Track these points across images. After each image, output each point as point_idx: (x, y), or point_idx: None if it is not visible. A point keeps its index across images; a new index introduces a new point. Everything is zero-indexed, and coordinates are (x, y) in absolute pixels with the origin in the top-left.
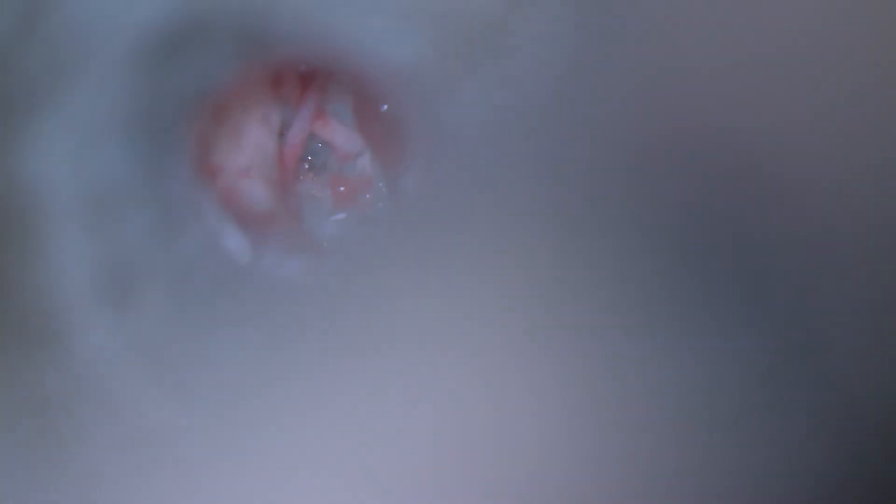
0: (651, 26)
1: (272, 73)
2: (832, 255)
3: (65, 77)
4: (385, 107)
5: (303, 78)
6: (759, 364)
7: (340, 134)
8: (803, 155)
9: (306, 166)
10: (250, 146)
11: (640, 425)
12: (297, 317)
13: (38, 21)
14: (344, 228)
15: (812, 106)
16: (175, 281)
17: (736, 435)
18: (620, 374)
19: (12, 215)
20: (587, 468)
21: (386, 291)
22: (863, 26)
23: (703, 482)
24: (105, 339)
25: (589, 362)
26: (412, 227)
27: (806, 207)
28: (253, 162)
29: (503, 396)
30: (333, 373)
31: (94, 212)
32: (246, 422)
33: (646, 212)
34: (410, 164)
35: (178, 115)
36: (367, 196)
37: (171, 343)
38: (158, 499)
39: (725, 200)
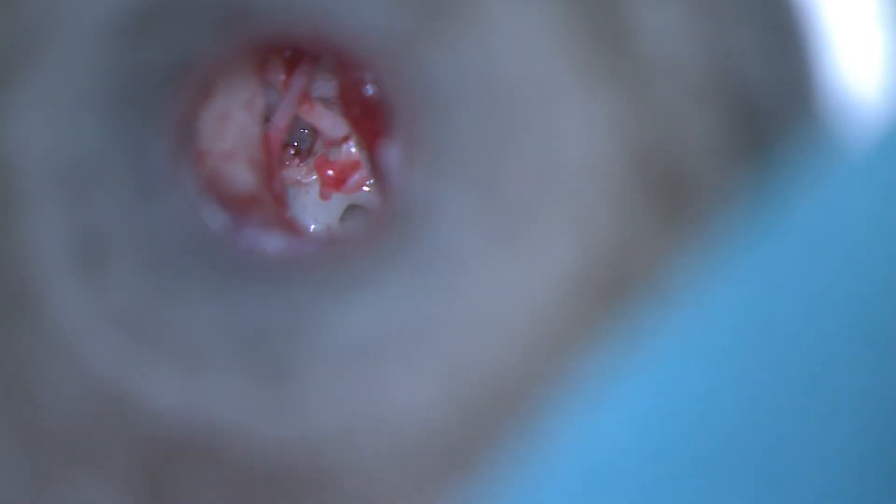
0: None
1: (257, 58)
2: None
3: (40, 49)
4: (369, 90)
5: (288, 63)
6: None
7: (326, 118)
8: None
9: (291, 151)
10: (235, 130)
11: None
12: (275, 292)
13: None
14: (329, 212)
15: None
16: (149, 254)
17: None
18: None
19: None
20: None
21: (369, 272)
22: None
23: None
24: (79, 307)
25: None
26: (396, 209)
27: None
28: (237, 146)
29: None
30: (311, 351)
31: (70, 183)
32: (216, 390)
33: None
34: (395, 146)
35: (156, 89)
36: (355, 179)
37: (143, 312)
38: None
39: None
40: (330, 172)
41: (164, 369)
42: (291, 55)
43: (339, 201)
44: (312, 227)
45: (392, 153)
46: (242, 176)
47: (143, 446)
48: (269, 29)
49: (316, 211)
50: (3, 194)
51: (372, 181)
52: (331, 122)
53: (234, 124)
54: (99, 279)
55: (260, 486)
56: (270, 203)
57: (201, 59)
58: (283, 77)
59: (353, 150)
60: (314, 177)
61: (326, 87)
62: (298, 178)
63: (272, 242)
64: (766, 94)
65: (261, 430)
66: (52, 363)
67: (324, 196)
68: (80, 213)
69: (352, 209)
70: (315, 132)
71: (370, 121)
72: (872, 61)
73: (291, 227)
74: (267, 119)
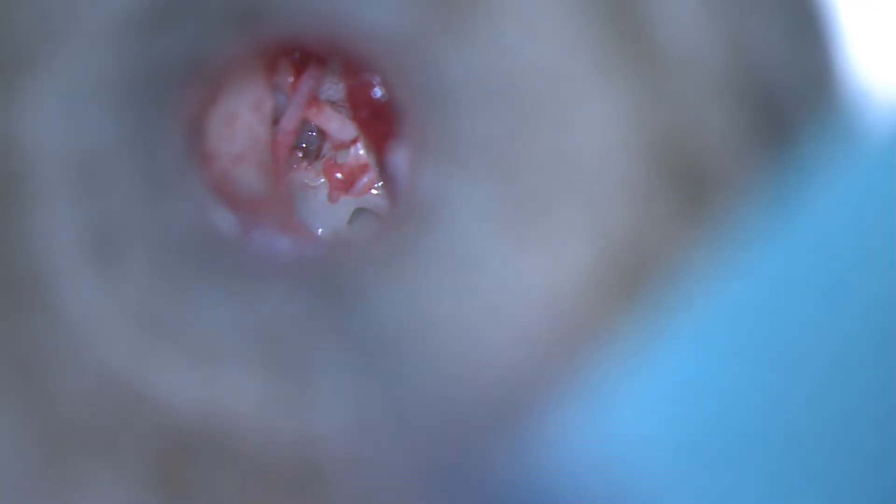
0: None
1: (265, 60)
2: None
3: (57, 41)
4: (378, 93)
5: (296, 65)
6: None
7: (334, 121)
8: None
9: (300, 154)
10: (243, 133)
11: None
12: (286, 292)
13: None
14: (337, 216)
15: None
16: (161, 250)
17: None
18: None
19: (1, 175)
20: None
21: (382, 271)
22: None
23: None
24: (92, 299)
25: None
26: (405, 212)
27: None
28: (245, 149)
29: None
30: (325, 347)
31: (83, 176)
32: (230, 383)
33: None
34: (404, 148)
35: (168, 85)
36: (363, 182)
37: (156, 306)
38: None
39: None
40: (338, 175)
41: (177, 362)
42: (299, 58)
43: (347, 205)
44: (320, 230)
45: (401, 155)
46: (251, 178)
47: (156, 438)
48: (281, 30)
49: (324, 214)
50: (17, 184)
51: (381, 184)
52: (339, 125)
53: (242, 127)
54: (111, 273)
55: (275, 478)
56: (278, 206)
57: (212, 59)
58: (290, 80)
59: (362, 152)
60: (322, 180)
61: (335, 89)
62: (306, 181)
63: (281, 245)
64: (786, 84)
65: (276, 424)
66: (65, 354)
67: (332, 199)
68: (93, 206)
69: (360, 213)
70: (323, 135)
71: (379, 123)
72: (892, 50)
73: (299, 231)
74: (275, 122)
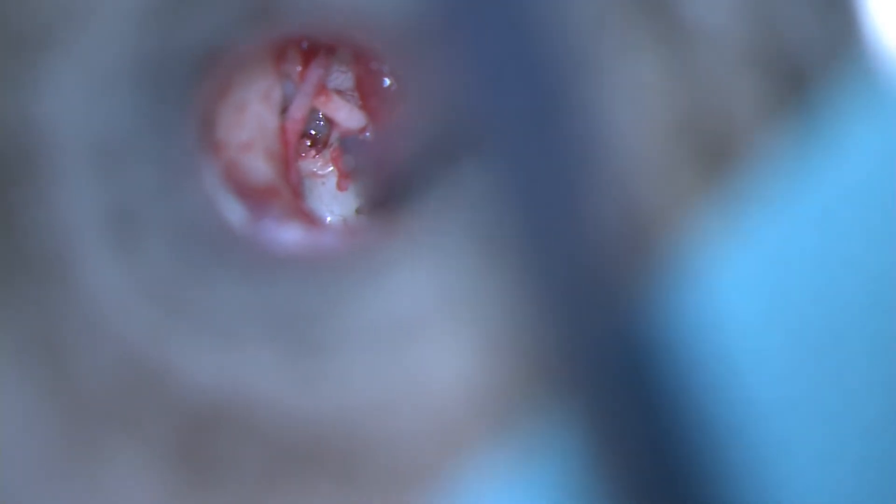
0: None
1: (274, 49)
2: None
3: (76, 23)
4: (387, 82)
5: (304, 54)
6: None
7: (342, 110)
8: None
9: (308, 143)
10: (252, 121)
11: None
12: (301, 278)
13: None
14: (345, 204)
15: None
16: (175, 234)
17: None
18: None
19: (22, 153)
20: None
21: (396, 256)
22: None
23: None
24: (113, 279)
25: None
26: (412, 203)
27: None
28: (255, 137)
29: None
30: (343, 329)
31: (101, 157)
32: (249, 363)
33: None
34: (411, 137)
35: (182, 74)
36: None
37: (173, 287)
38: None
39: None
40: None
41: (196, 342)
42: (308, 47)
43: (355, 193)
44: (329, 218)
45: (409, 144)
46: (259, 167)
47: (177, 415)
48: (292, 20)
49: (332, 203)
50: (37, 162)
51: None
52: (347, 114)
53: (251, 115)
54: (131, 254)
55: (294, 456)
56: (287, 194)
57: (227, 49)
58: (299, 69)
59: None
60: (330, 168)
61: (343, 78)
62: (315, 169)
63: (290, 234)
64: (812, 54)
65: (295, 403)
66: (86, 332)
67: (340, 187)
68: (110, 187)
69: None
70: (332, 124)
71: (387, 113)
72: None
73: (308, 219)
74: (284, 111)
